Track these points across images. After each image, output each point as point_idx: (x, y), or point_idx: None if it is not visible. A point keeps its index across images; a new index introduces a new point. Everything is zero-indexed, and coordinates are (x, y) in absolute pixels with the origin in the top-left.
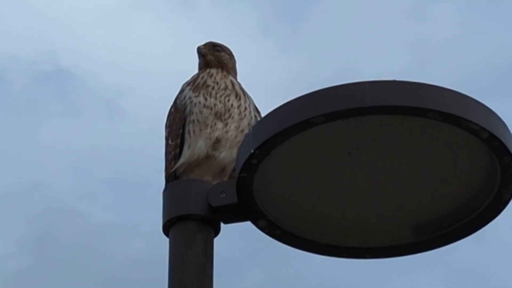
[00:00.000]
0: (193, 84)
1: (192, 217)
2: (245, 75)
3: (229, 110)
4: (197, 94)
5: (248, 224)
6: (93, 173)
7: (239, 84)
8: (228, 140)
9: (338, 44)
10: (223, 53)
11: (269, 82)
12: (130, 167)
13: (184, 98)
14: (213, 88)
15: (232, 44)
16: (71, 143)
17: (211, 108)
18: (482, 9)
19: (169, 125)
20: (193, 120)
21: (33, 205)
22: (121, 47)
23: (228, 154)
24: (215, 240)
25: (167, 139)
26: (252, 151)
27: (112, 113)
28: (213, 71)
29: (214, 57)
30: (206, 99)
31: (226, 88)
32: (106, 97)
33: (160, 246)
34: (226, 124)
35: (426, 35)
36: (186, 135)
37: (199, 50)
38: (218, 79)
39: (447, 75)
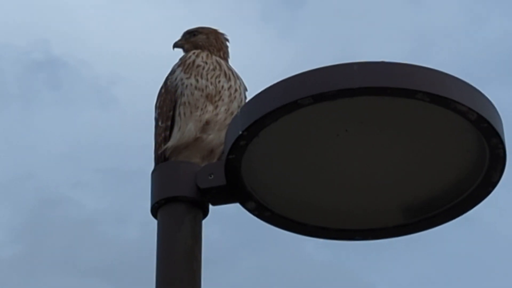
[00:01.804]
0: (184, 65)
1: (181, 198)
2: (245, 61)
3: (220, 92)
4: (188, 75)
5: (238, 211)
6: (86, 162)
7: (225, 63)
8: (217, 123)
9: (337, 30)
10: (199, 36)
11: (269, 68)
12: (123, 156)
13: (176, 79)
14: (203, 68)
15: (232, 31)
16: (64, 132)
17: (203, 90)
18: None
19: (159, 106)
20: (184, 102)
21: (25, 194)
22: (114, 35)
23: (216, 137)
24: (206, 224)
25: (157, 120)
26: (240, 132)
27: (104, 102)
28: (198, 52)
29: (191, 44)
30: (197, 80)
31: (215, 68)
32: (98, 86)
33: (153, 235)
34: (216, 107)
35: (425, 21)
36: (177, 117)
37: (174, 45)
38: (205, 58)
39: (446, 61)
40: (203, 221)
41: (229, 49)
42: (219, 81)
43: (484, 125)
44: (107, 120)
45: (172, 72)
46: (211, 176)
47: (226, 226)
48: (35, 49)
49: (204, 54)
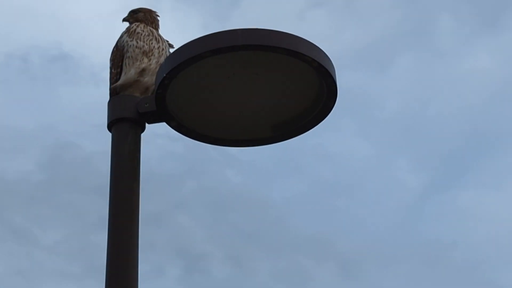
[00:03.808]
0: (128, 32)
1: (127, 119)
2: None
3: (152, 50)
4: (131, 39)
5: (188, 152)
6: (85, 120)
7: (156, 32)
8: (150, 70)
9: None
10: (139, 14)
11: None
12: (105, 114)
13: (123, 41)
14: (141, 34)
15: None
16: (72, 101)
17: (140, 48)
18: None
19: (112, 59)
20: (129, 56)
21: (48, 139)
22: (109, 41)
23: (150, 79)
24: (168, 159)
25: (111, 68)
26: (164, 75)
27: (97, 82)
28: (138, 23)
29: (134, 19)
30: (137, 42)
31: (149, 34)
32: (93, 71)
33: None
34: (150, 59)
35: (305, 31)
36: (124, 66)
37: (123, 20)
38: (143, 28)
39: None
40: (141, 135)
41: (159, 23)
42: (151, 43)
43: (323, 70)
44: (99, 93)
45: (121, 37)
46: (146, 105)
47: (181, 159)
48: (53, 47)
49: (142, 25)
